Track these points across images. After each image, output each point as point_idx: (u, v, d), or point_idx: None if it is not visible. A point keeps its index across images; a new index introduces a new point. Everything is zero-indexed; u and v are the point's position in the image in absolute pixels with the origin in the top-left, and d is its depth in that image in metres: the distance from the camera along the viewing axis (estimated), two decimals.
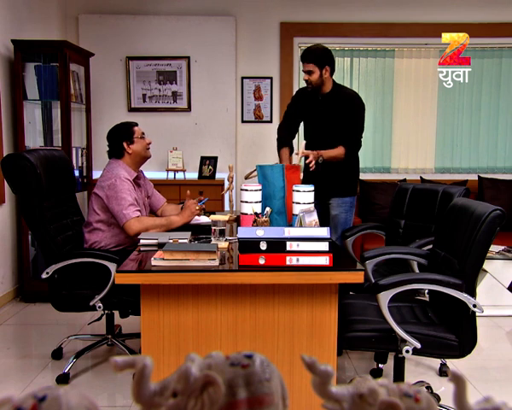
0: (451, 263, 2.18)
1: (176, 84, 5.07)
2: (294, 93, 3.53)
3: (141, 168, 3.06)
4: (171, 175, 4.94)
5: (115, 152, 2.95)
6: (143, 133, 3.01)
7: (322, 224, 2.60)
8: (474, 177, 5.11)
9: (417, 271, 2.63)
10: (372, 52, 5.18)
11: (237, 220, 3.06)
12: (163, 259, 2.01)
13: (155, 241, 2.39)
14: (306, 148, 3.09)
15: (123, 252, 2.69)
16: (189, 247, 2.12)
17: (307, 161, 3.01)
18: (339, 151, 3.17)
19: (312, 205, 2.64)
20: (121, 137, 2.94)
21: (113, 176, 2.79)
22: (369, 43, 5.11)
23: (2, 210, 3.99)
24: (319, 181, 3.03)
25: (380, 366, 2.85)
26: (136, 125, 3.03)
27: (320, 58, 3.14)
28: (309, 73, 3.15)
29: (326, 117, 3.23)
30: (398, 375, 2.33)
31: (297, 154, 3.07)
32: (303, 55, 3.20)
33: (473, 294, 2.07)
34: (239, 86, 5.15)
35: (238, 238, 2.01)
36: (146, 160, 3.02)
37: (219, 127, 5.12)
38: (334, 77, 3.28)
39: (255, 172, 2.95)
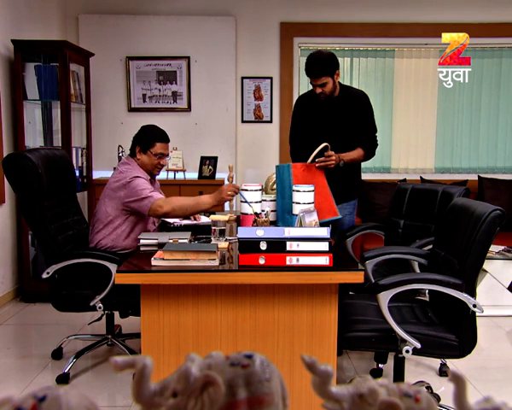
0: (451, 263, 2.18)
1: (176, 84, 5.07)
2: (295, 102, 3.35)
3: None
4: (171, 175, 4.94)
5: (131, 149, 2.92)
6: (163, 154, 2.88)
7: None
8: (474, 177, 5.11)
9: (418, 271, 2.63)
10: (372, 52, 5.18)
11: (237, 220, 3.06)
12: (163, 259, 2.01)
13: (155, 241, 2.39)
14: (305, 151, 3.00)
15: (124, 253, 2.70)
16: (189, 247, 2.12)
17: (327, 162, 2.87)
18: (358, 153, 3.09)
19: (312, 205, 2.64)
20: (139, 140, 2.88)
21: (127, 175, 2.75)
22: (369, 43, 5.11)
23: (2, 210, 3.99)
24: None
25: (380, 366, 2.85)
26: (165, 141, 2.89)
27: (330, 66, 2.94)
28: (322, 85, 2.95)
29: (338, 120, 3.10)
30: (398, 375, 2.33)
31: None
32: (311, 70, 2.94)
33: (473, 294, 2.07)
34: (239, 86, 5.15)
35: (238, 238, 2.01)
36: (151, 174, 2.93)
37: (219, 127, 5.12)
38: None
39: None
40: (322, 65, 2.93)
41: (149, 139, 2.86)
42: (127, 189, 2.71)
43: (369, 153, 3.18)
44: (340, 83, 3.13)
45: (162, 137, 2.89)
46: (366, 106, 3.16)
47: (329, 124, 3.12)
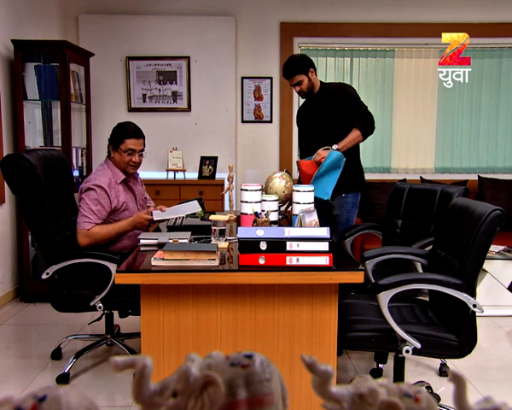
0: (451, 263, 2.18)
1: (176, 84, 5.07)
2: (296, 114, 3.63)
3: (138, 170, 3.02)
4: (171, 175, 4.94)
5: (107, 150, 2.94)
6: (133, 150, 2.82)
7: (323, 224, 2.58)
8: (474, 177, 5.11)
9: (421, 271, 2.62)
10: (372, 52, 5.18)
11: (237, 220, 3.06)
12: (163, 259, 2.01)
13: (155, 241, 2.39)
14: (309, 152, 3.20)
15: (123, 252, 2.69)
16: (189, 247, 2.12)
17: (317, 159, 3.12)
18: (355, 134, 3.21)
19: (312, 205, 2.64)
20: (111, 138, 2.91)
21: (92, 179, 2.78)
22: (369, 43, 5.11)
23: (2, 210, 3.99)
24: None
25: (380, 366, 2.85)
26: (136, 137, 2.83)
27: (301, 65, 3.24)
28: (298, 83, 3.26)
29: (321, 116, 3.29)
30: (398, 375, 2.33)
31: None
32: (285, 72, 3.30)
33: (473, 294, 2.07)
34: (239, 86, 5.15)
35: (238, 238, 2.01)
36: (127, 173, 2.89)
37: (219, 127, 5.12)
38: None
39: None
40: (293, 65, 3.27)
41: (119, 136, 2.84)
42: (82, 195, 2.75)
43: (366, 128, 3.25)
44: (321, 81, 3.40)
45: (132, 133, 2.83)
46: (346, 96, 3.29)
47: (317, 121, 3.31)
